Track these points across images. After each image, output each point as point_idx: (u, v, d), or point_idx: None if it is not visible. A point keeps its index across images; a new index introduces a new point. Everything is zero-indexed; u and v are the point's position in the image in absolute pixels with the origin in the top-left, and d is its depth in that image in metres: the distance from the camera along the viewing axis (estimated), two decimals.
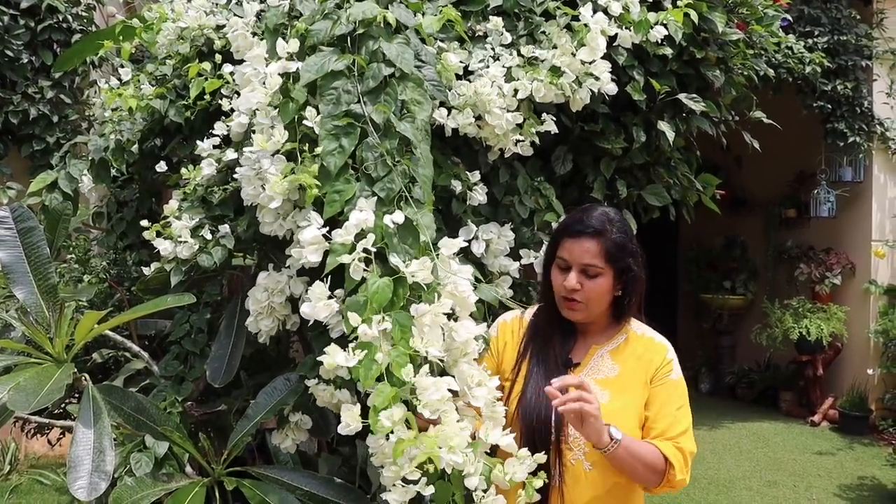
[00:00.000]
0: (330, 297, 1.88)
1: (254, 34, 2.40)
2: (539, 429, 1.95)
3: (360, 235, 1.82)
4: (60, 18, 5.82)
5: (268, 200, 2.06)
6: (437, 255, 1.85)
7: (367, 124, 1.97)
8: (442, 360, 1.77)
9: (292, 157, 2.08)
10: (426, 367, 1.71)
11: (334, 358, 1.73)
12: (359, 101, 2.00)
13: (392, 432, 1.65)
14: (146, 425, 2.17)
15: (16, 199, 3.82)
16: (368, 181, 1.94)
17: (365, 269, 1.80)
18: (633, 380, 2.02)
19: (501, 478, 1.72)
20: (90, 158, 2.87)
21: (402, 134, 1.97)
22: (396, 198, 1.91)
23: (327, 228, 1.91)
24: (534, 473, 1.76)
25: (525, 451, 1.75)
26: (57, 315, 2.18)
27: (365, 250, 1.80)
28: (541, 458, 1.76)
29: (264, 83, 2.13)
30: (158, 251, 2.39)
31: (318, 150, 1.96)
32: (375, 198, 1.90)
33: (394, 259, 1.81)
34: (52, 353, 2.12)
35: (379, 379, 1.69)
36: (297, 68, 2.11)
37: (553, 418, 1.95)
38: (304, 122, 2.07)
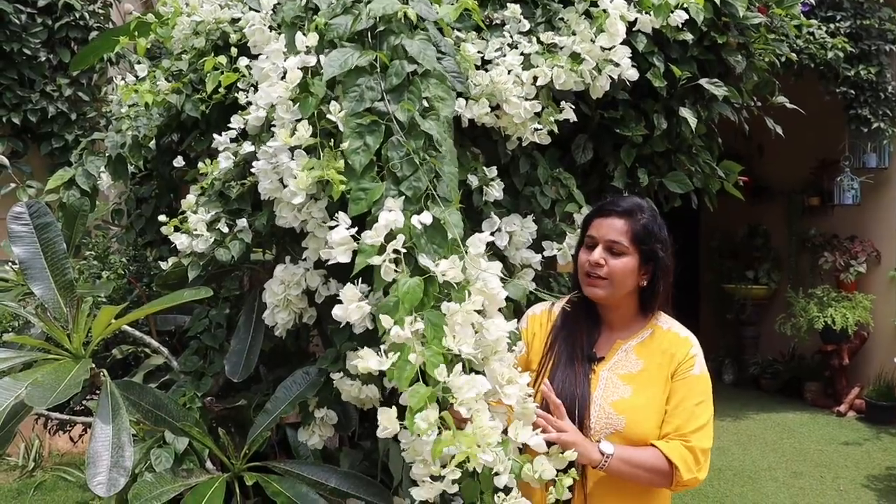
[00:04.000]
0: (362, 299, 1.86)
1: (270, 28, 2.38)
2: None
3: (389, 235, 1.80)
4: (77, 16, 5.83)
5: (291, 196, 2.04)
6: (466, 252, 1.83)
7: (392, 122, 1.96)
8: (475, 358, 1.75)
9: (312, 152, 2.06)
10: (458, 366, 1.69)
11: (367, 362, 1.72)
12: (382, 99, 1.99)
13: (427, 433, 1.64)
14: (165, 421, 2.17)
15: (35, 197, 3.82)
16: (394, 180, 1.92)
17: (395, 270, 1.79)
18: (656, 375, 2.00)
19: (531, 476, 1.70)
20: (107, 155, 2.86)
21: (426, 132, 1.95)
22: (423, 196, 1.90)
23: (356, 228, 1.89)
24: (564, 471, 1.74)
25: (556, 448, 1.73)
26: (74, 311, 2.18)
27: (395, 251, 1.78)
28: (571, 455, 1.74)
29: (283, 77, 2.11)
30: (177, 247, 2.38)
31: (343, 146, 1.95)
32: (402, 197, 1.88)
33: (423, 259, 1.80)
34: (69, 349, 2.11)
35: (413, 379, 1.68)
36: (317, 62, 2.10)
37: (576, 413, 1.94)
38: (328, 116, 2.05)
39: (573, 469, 1.74)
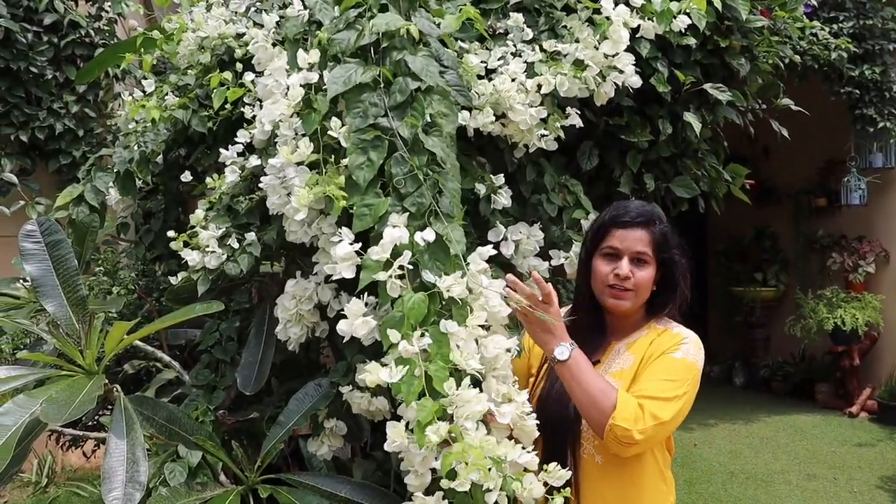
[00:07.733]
0: (367, 314, 1.87)
1: (273, 44, 2.39)
2: (558, 425, 1.95)
3: (395, 251, 1.80)
4: (83, 33, 5.85)
5: (293, 212, 2.05)
6: (468, 268, 1.83)
7: (396, 137, 1.96)
8: (480, 373, 1.75)
9: (316, 168, 2.07)
10: (468, 380, 1.69)
11: (377, 375, 1.72)
12: (385, 115, 2.00)
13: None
14: (178, 435, 2.18)
15: (44, 213, 3.84)
16: (398, 196, 1.93)
17: (401, 286, 1.79)
18: (643, 367, 1.98)
19: (522, 493, 1.68)
20: (115, 171, 2.87)
21: (430, 150, 1.96)
22: (426, 212, 1.91)
23: (360, 244, 1.89)
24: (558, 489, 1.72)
25: (554, 465, 1.71)
26: (87, 327, 2.19)
27: (400, 266, 1.79)
28: (566, 474, 1.71)
29: (286, 94, 2.12)
30: (187, 261, 2.39)
31: (345, 161, 1.95)
32: (406, 213, 1.89)
33: (427, 276, 1.80)
34: (83, 365, 2.12)
35: (420, 393, 1.68)
36: (319, 78, 2.11)
37: (570, 414, 1.94)
38: (329, 132, 2.05)
39: (567, 488, 1.71)
